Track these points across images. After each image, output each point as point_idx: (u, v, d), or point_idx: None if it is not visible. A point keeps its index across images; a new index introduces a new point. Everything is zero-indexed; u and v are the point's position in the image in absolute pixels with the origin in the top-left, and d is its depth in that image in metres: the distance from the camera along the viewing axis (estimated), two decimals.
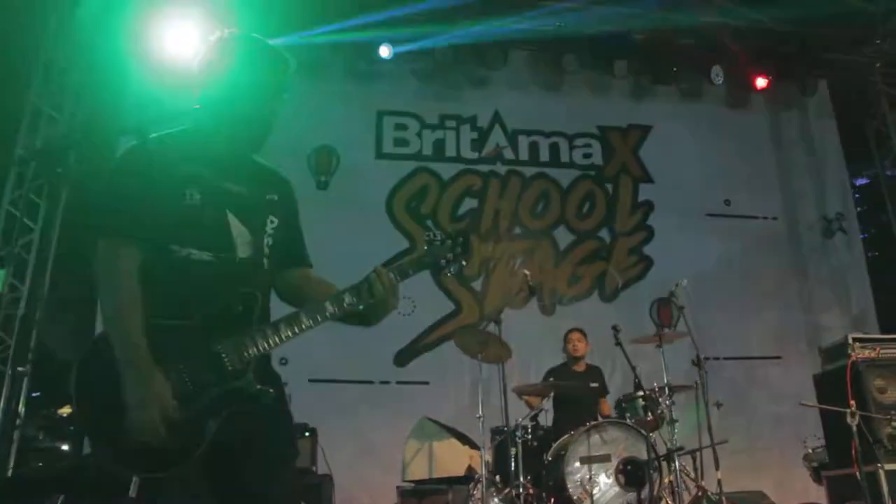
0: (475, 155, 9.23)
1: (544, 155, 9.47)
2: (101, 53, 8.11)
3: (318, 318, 2.27)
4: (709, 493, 6.20)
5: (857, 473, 5.41)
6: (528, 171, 9.35)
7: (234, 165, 2.37)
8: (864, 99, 10.86)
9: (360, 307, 2.33)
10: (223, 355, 2.15)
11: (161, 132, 2.36)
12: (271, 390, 2.21)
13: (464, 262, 2.52)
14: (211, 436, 2.11)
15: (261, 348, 2.19)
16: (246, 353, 2.17)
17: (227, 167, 2.35)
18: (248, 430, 2.19)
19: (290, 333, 2.23)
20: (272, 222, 2.39)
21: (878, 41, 10.16)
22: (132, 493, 2.52)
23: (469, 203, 9.03)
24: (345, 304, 2.30)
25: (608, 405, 7.10)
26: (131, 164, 2.26)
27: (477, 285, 8.71)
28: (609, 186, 9.59)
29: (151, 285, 2.17)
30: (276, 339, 2.21)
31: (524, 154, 9.40)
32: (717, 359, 8.89)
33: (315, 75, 8.84)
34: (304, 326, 2.25)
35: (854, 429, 5.37)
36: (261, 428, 2.24)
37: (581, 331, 7.26)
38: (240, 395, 2.16)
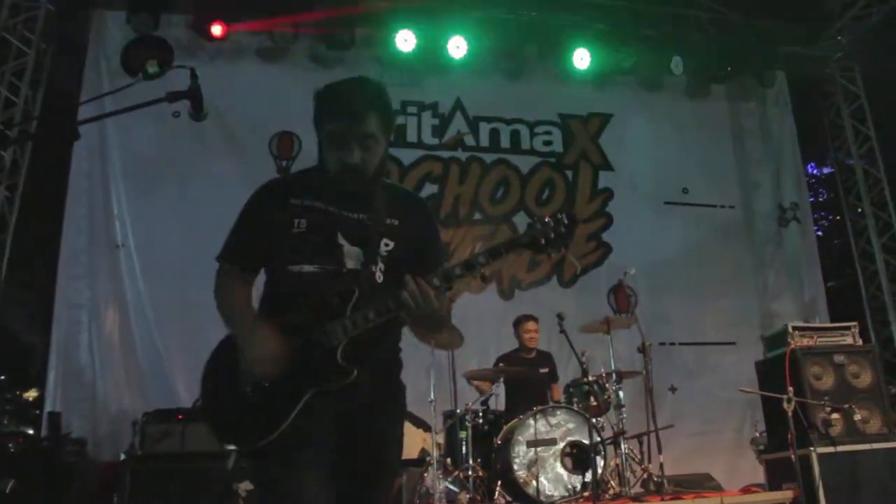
0: (436, 141, 9.28)
1: (505, 141, 9.53)
2: None
3: (373, 317, 2.46)
4: (653, 476, 6.37)
5: (793, 457, 5.59)
6: (489, 157, 9.41)
7: (354, 195, 2.59)
8: (821, 91, 11.04)
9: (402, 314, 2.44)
10: (316, 338, 2.46)
11: (299, 170, 2.79)
12: (354, 371, 2.44)
13: (564, 247, 2.51)
14: (297, 409, 2.40)
15: (347, 331, 2.45)
16: (334, 334, 2.45)
17: (346, 197, 2.59)
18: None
19: (366, 322, 2.46)
20: (387, 245, 2.60)
21: (835, 35, 10.33)
22: (230, 466, 2.68)
23: (429, 188, 9.07)
24: (388, 308, 2.44)
25: (559, 390, 7.23)
26: (255, 202, 2.71)
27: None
28: (569, 173, 9.68)
29: (275, 297, 2.62)
30: (354, 325, 2.45)
31: (485, 140, 9.46)
32: (672, 344, 9.09)
33: (277, 60, 8.87)
34: (370, 319, 2.46)
35: (790, 414, 5.56)
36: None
37: (535, 319, 7.37)
38: (324, 372, 2.44)
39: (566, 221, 2.48)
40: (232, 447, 2.66)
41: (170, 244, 7.98)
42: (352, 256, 2.56)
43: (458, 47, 9.00)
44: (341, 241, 2.56)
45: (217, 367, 2.62)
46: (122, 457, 6.21)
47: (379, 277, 2.56)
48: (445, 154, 9.28)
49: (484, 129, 9.49)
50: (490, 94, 9.55)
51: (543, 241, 2.46)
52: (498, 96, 9.56)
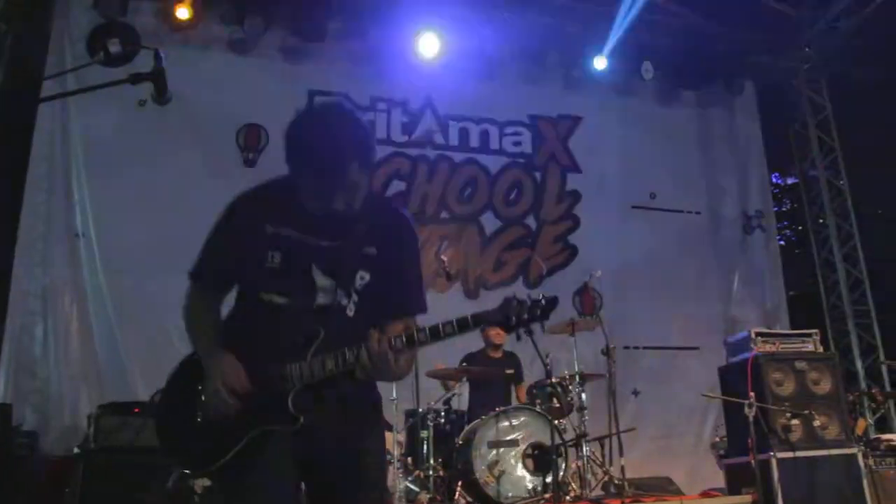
0: (405, 138, 9.23)
1: (474, 141, 9.51)
2: None
3: (332, 367, 2.39)
4: (614, 479, 6.37)
5: (752, 462, 5.62)
6: (458, 156, 9.39)
7: (327, 222, 2.44)
8: (788, 101, 11.17)
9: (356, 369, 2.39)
10: (273, 377, 2.41)
11: (266, 182, 2.58)
12: (301, 419, 2.37)
13: (542, 326, 2.37)
14: (240, 445, 2.37)
15: (304, 377, 2.39)
16: (289, 379, 2.40)
17: (319, 224, 2.44)
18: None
19: (322, 371, 2.39)
20: (362, 278, 2.50)
21: (803, 46, 10.45)
22: (170, 484, 2.65)
23: (397, 185, 9.02)
24: (346, 360, 2.37)
25: (524, 391, 7.21)
26: (229, 223, 2.57)
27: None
28: (537, 175, 9.69)
29: (242, 320, 2.56)
30: (311, 373, 2.40)
31: (454, 139, 9.43)
32: (636, 348, 9.10)
33: (246, 52, 8.76)
34: (328, 368, 2.39)
35: (751, 419, 5.59)
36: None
37: None
38: (274, 413, 2.38)
39: (543, 304, 2.36)
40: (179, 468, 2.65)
41: (131, 234, 7.83)
42: (325, 289, 2.48)
43: (429, 45, 8.96)
44: (315, 273, 2.47)
45: (175, 387, 2.60)
46: (76, 450, 6.07)
47: (350, 312, 2.49)
48: (414, 152, 9.23)
49: (453, 128, 9.46)
50: (460, 93, 9.49)
51: (514, 322, 2.34)
52: (468, 96, 9.51)
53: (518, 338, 2.39)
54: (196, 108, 8.23)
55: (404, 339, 2.34)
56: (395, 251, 2.57)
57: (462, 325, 2.34)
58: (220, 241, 2.58)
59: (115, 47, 2.52)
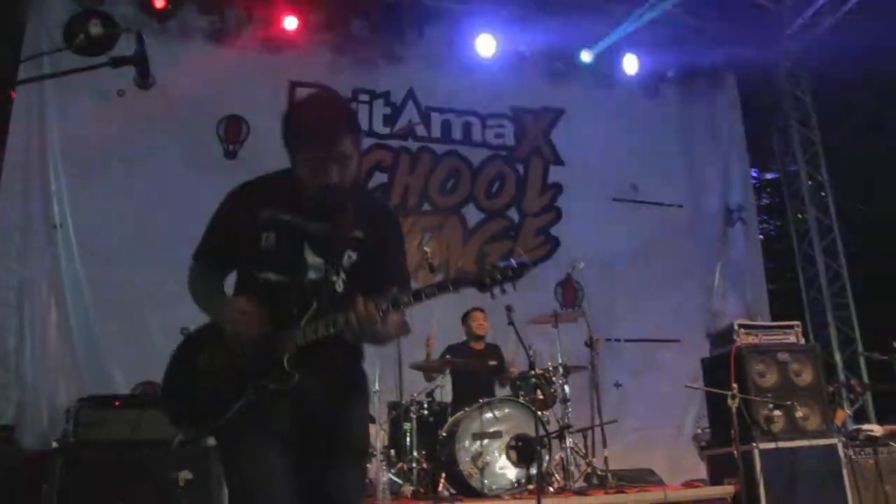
0: (387, 130, 9.18)
1: (456, 133, 9.48)
2: None
3: (323, 331, 2.57)
4: (597, 470, 6.37)
5: (735, 452, 5.65)
6: (440, 148, 9.36)
7: (320, 207, 2.67)
8: (769, 96, 11.22)
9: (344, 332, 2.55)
10: (270, 341, 2.60)
11: (263, 175, 2.82)
12: (296, 377, 2.56)
13: (513, 285, 2.56)
14: (240, 403, 2.56)
15: (297, 341, 2.59)
16: (284, 343, 2.59)
17: (312, 208, 2.68)
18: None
19: (315, 335, 2.58)
20: (350, 257, 2.71)
21: (785, 41, 10.50)
22: (174, 445, 2.88)
23: (379, 178, 8.97)
24: (336, 324, 2.54)
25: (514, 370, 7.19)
26: (227, 208, 2.80)
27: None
28: (520, 167, 9.68)
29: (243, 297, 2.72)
30: (304, 337, 2.59)
31: (436, 131, 9.40)
32: (618, 340, 9.11)
33: (227, 43, 8.66)
34: (320, 332, 2.57)
35: (734, 410, 5.61)
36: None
37: (482, 310, 7.34)
38: (271, 373, 2.57)
39: (515, 266, 2.53)
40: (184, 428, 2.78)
41: (110, 225, 7.74)
42: (315, 267, 2.68)
43: (413, 37, 8.93)
44: (307, 252, 2.69)
45: (179, 357, 2.77)
46: (54, 445, 5.97)
47: (339, 287, 2.68)
48: (396, 144, 9.19)
49: (436, 119, 9.42)
50: (443, 85, 9.46)
51: (489, 282, 2.52)
52: (451, 87, 9.48)
53: (492, 296, 2.56)
54: (175, 99, 8.14)
55: (390, 301, 2.52)
56: (379, 235, 2.80)
57: (442, 287, 2.55)
58: (217, 224, 2.83)
59: (96, 28, 2.45)
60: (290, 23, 8.63)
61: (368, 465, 6.03)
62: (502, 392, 6.99)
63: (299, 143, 2.62)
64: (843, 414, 8.55)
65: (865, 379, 9.87)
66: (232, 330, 2.61)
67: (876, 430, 6.75)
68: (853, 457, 6.16)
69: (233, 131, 8.55)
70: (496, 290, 2.54)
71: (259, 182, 2.81)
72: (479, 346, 7.31)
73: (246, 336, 2.59)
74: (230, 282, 2.85)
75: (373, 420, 6.43)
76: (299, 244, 2.69)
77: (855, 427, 7.04)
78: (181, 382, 2.72)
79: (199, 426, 2.67)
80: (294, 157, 2.65)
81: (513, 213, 9.50)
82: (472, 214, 9.32)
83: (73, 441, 5.73)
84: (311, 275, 2.68)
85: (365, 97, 9.17)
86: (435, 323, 6.81)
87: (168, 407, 2.77)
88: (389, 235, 2.88)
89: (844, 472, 5.92)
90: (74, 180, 7.78)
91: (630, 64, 9.79)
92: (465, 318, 7.39)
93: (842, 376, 10.01)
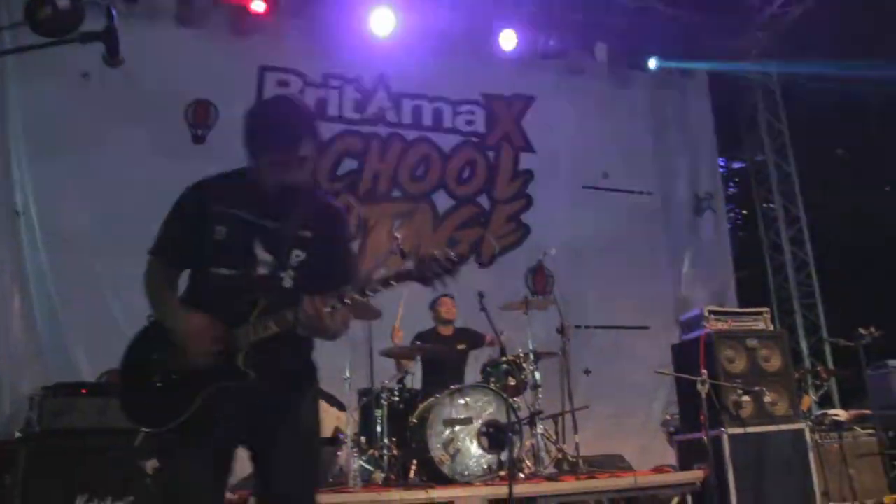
0: (357, 116, 9.10)
1: (427, 119, 9.43)
2: None
3: (274, 327, 2.70)
4: (568, 456, 6.39)
5: (704, 437, 5.69)
6: (410, 134, 9.31)
7: (272, 205, 2.79)
8: (738, 85, 11.30)
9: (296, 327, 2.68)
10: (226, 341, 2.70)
11: (218, 173, 2.91)
12: (252, 374, 2.68)
13: (450, 279, 2.67)
14: (200, 403, 2.65)
15: (249, 337, 2.70)
16: (237, 340, 2.70)
17: (265, 206, 2.79)
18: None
19: (265, 331, 2.70)
20: (298, 255, 2.80)
21: (754, 30, 10.56)
22: (137, 442, 3.12)
23: (349, 164, 8.91)
24: (287, 319, 2.67)
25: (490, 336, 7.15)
26: (184, 204, 2.88)
27: (353, 247, 8.60)
28: (490, 154, 9.66)
29: (194, 294, 2.83)
30: (257, 333, 2.70)
31: (407, 117, 9.34)
32: (587, 327, 9.14)
33: (196, 26, 8.52)
34: (271, 328, 2.70)
35: (703, 396, 5.65)
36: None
37: (451, 296, 7.33)
38: (226, 372, 2.68)
39: (453, 258, 2.63)
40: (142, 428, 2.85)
41: (74, 212, 7.59)
42: (265, 263, 2.78)
43: (383, 22, 8.85)
44: (257, 248, 2.79)
45: (135, 354, 2.82)
46: (18, 435, 5.86)
47: (287, 283, 2.79)
48: (366, 129, 9.11)
49: (406, 105, 9.37)
50: (414, 70, 9.38)
51: (430, 275, 2.62)
52: (422, 73, 9.41)
53: (433, 288, 2.67)
54: (142, 83, 7.95)
55: (337, 298, 2.64)
56: (328, 235, 2.91)
57: (385, 283, 2.66)
58: (172, 219, 2.89)
59: (63, 1, 2.33)
60: (258, 6, 8.51)
61: (339, 453, 6.02)
62: (470, 376, 6.99)
63: (261, 144, 2.74)
64: (809, 400, 8.67)
65: (830, 365, 10.01)
66: (185, 346, 2.67)
67: (841, 415, 6.87)
68: (819, 441, 6.26)
69: (201, 116, 8.43)
70: (435, 284, 2.64)
71: (214, 179, 2.90)
72: (447, 331, 7.30)
73: (199, 355, 2.66)
74: (184, 276, 2.91)
75: (342, 407, 6.40)
76: (250, 240, 2.79)
77: (821, 412, 7.15)
78: (138, 378, 2.76)
79: (155, 426, 2.73)
80: (254, 157, 2.77)
81: (483, 200, 9.47)
82: (443, 201, 9.28)
83: (38, 430, 5.63)
84: (261, 270, 2.78)
85: (335, 82, 9.09)
86: (402, 313, 6.77)
87: (126, 401, 2.81)
88: (338, 235, 3.01)
89: (811, 455, 6.00)
90: (37, 167, 7.62)
91: (600, 51, 9.77)
92: (434, 304, 7.37)
93: (807, 363, 10.14)
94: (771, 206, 11.13)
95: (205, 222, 2.77)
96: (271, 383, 2.73)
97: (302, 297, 2.64)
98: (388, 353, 6.72)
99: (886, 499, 6.08)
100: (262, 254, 2.79)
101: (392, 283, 2.66)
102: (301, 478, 2.80)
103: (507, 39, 9.43)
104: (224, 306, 2.72)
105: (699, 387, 5.65)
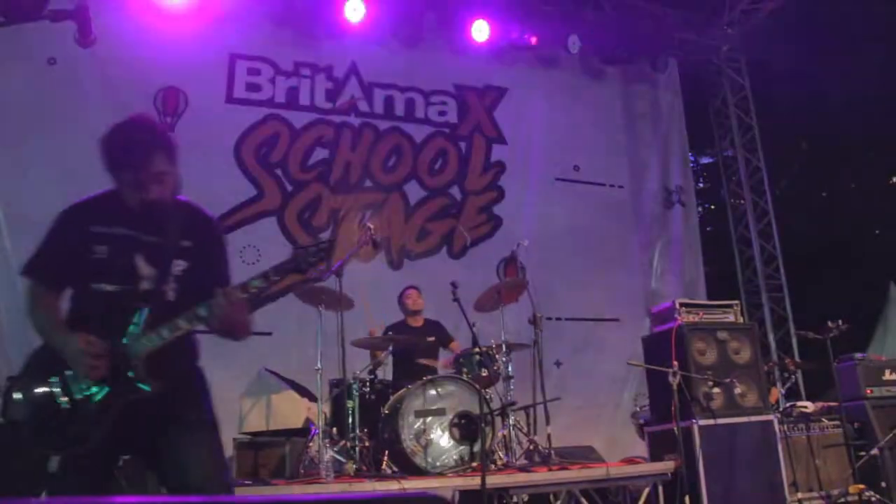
0: (329, 105, 9.02)
1: (399, 109, 9.37)
2: None
3: (179, 329, 2.79)
4: (539, 447, 6.39)
5: (675, 429, 5.72)
6: (382, 124, 9.24)
7: (148, 219, 2.88)
8: (709, 80, 11.38)
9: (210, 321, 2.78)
10: (117, 354, 2.76)
11: (91, 195, 2.96)
12: (151, 386, 2.76)
13: (322, 267, 2.87)
14: (109, 422, 2.71)
15: (144, 348, 2.77)
16: (130, 352, 2.77)
17: (141, 221, 2.88)
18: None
19: (160, 340, 2.79)
20: (178, 265, 2.90)
21: (724, 26, 10.63)
22: (51, 468, 2.86)
23: (320, 153, 8.83)
24: (198, 317, 2.77)
25: (458, 346, 7.20)
26: (59, 228, 2.93)
27: (325, 236, 8.54)
28: (462, 145, 9.62)
29: (77, 311, 2.88)
30: (150, 343, 2.78)
31: (379, 107, 9.27)
32: (559, 319, 9.16)
33: (165, 13, 8.36)
34: (164, 336, 2.79)
35: (674, 387, 5.68)
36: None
37: (417, 288, 7.33)
38: (126, 386, 2.75)
39: (324, 246, 2.83)
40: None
41: (40, 199, 7.37)
42: (147, 277, 2.87)
43: (355, 10, 8.78)
44: (139, 262, 2.87)
45: (31, 376, 2.85)
46: None
47: (171, 296, 2.89)
48: (338, 119, 9.03)
49: (378, 95, 9.30)
50: (386, 60, 9.34)
51: (305, 265, 2.81)
52: (394, 63, 9.37)
53: (316, 280, 2.87)
54: (110, 69, 7.84)
55: (240, 288, 2.78)
56: (206, 243, 3.03)
57: (265, 276, 2.80)
58: (48, 241, 2.94)
59: None
60: None
61: (310, 444, 5.96)
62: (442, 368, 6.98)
63: (115, 165, 2.82)
64: (777, 392, 8.77)
65: (797, 358, 10.12)
66: (80, 365, 2.72)
67: (808, 407, 6.94)
68: (787, 432, 6.33)
69: (170, 103, 8.30)
70: (310, 272, 2.83)
71: (90, 201, 2.97)
72: (416, 322, 7.29)
73: (94, 372, 2.71)
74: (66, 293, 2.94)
75: (313, 397, 6.34)
76: (131, 256, 2.87)
77: (789, 404, 7.22)
78: (39, 398, 2.78)
79: (64, 448, 2.75)
80: (114, 178, 2.86)
81: (455, 192, 9.44)
82: (415, 192, 9.24)
83: (4, 422, 5.50)
84: (145, 284, 2.86)
85: (307, 71, 9.00)
86: (370, 312, 6.75)
87: (28, 426, 2.82)
88: (213, 243, 3.10)
89: (779, 447, 6.05)
90: (1, 154, 7.45)
91: (573, 44, 9.74)
92: (400, 297, 7.38)
93: (775, 355, 10.25)
94: (740, 201, 11.23)
95: (83, 243, 2.84)
96: (167, 387, 2.79)
97: (185, 311, 2.76)
98: (359, 344, 6.67)
99: (851, 488, 6.14)
100: (144, 268, 2.87)
101: (271, 276, 2.79)
102: (208, 464, 2.85)
103: (480, 30, 9.42)
104: (109, 321, 2.78)
105: (670, 378, 5.69)
